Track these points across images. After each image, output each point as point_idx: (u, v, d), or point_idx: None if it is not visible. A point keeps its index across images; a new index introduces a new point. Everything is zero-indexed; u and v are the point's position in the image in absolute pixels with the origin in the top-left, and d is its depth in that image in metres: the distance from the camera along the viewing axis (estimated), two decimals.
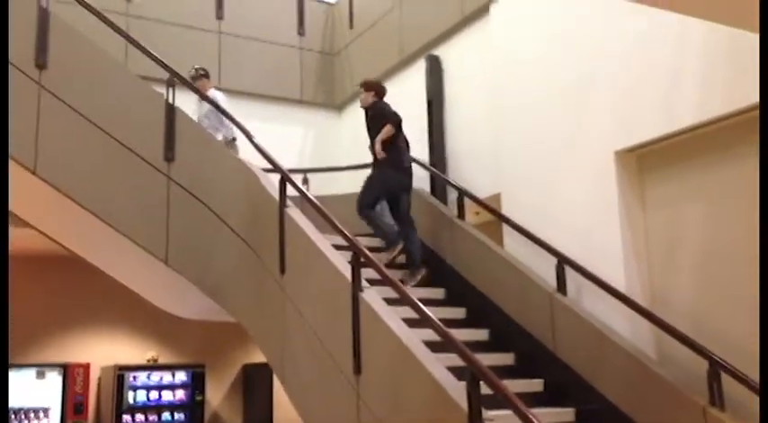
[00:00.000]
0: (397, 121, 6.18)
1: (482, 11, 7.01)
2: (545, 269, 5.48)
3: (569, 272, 5.33)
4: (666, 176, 5.26)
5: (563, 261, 5.34)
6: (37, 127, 5.21)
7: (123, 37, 5.89)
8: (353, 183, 8.46)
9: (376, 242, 6.20)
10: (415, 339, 3.81)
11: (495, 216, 6.21)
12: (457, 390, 3.38)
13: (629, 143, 5.31)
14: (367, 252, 4.21)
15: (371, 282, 4.40)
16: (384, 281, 4.12)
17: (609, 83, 5.49)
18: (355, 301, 4.15)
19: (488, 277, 5.83)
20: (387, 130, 6.13)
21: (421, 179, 7.28)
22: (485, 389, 3.26)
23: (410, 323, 4.04)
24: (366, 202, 6.12)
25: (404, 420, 3.72)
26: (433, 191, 7.17)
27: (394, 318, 3.98)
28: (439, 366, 3.61)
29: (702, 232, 4.94)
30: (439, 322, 3.61)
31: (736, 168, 4.68)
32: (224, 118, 6.38)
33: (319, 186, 8.18)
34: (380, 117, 6.25)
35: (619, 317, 5.00)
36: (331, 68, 9.65)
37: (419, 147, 7.50)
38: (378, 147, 6.13)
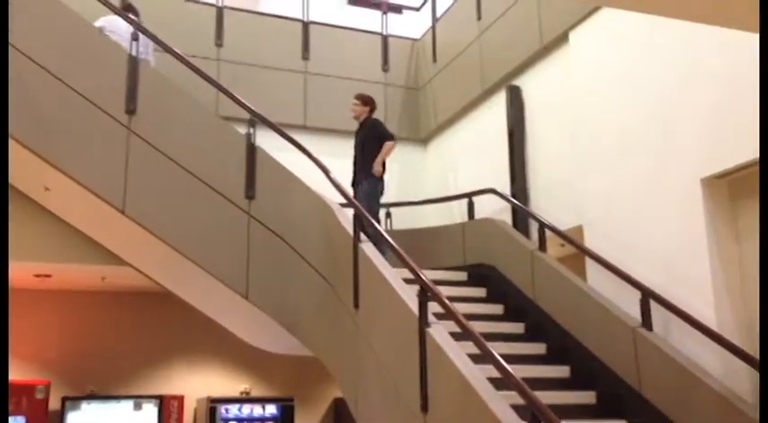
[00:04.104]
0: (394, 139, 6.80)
1: (561, 39, 6.89)
2: (630, 303, 5.23)
3: (656, 307, 5.06)
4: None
5: (648, 295, 5.08)
6: (126, 169, 5.52)
7: (207, 81, 6.15)
8: (439, 216, 8.48)
9: (445, 275, 6.16)
10: (479, 377, 3.70)
11: (578, 249, 6.01)
12: None
13: (716, 169, 5.02)
14: (432, 285, 4.15)
15: (441, 316, 4.33)
16: (449, 315, 4.04)
17: (694, 107, 5.24)
18: (422, 336, 4.09)
19: (570, 311, 5.63)
20: (389, 149, 6.68)
21: (502, 211, 7.18)
22: None
23: (480, 359, 3.93)
24: (377, 216, 6.36)
25: None
26: (515, 223, 7.03)
27: (459, 354, 3.88)
28: (503, 405, 3.48)
29: None
30: (500, 358, 3.50)
31: None
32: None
33: (406, 219, 8.21)
34: (379, 134, 6.78)
35: (710, 355, 4.68)
36: (415, 102, 9.72)
37: (500, 178, 7.42)
38: (378, 166, 6.60)
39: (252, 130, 5.98)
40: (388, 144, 6.69)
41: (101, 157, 5.49)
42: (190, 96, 5.99)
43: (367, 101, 7.09)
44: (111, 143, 5.51)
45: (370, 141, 6.78)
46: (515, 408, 3.48)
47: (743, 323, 4.88)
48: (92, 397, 8.53)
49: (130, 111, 5.60)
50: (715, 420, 4.28)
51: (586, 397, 4.87)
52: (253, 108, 6.03)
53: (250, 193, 5.81)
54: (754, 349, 4.60)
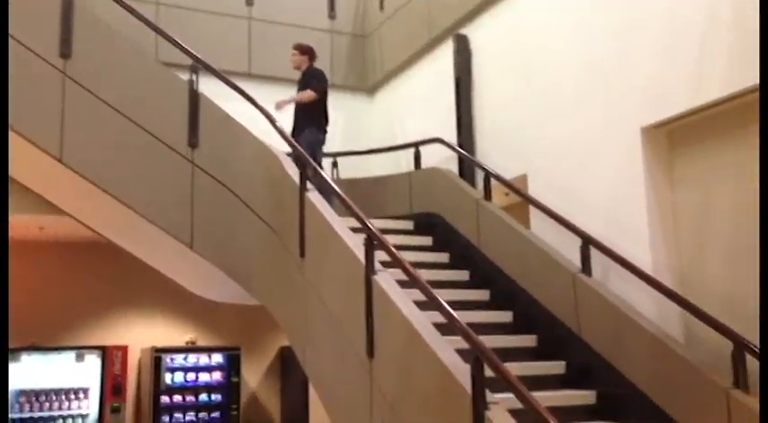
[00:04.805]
0: (323, 89, 6.72)
1: None
2: (571, 250, 5.37)
3: (596, 253, 5.21)
4: (697, 153, 5.08)
5: (588, 241, 5.22)
6: (62, 116, 5.32)
7: (146, 24, 5.94)
8: (386, 165, 8.47)
9: (391, 224, 6.22)
10: (424, 322, 3.77)
11: (521, 197, 6.11)
12: (463, 372, 3.33)
13: (655, 119, 5.14)
14: (379, 234, 4.18)
15: (387, 264, 4.37)
16: (396, 263, 4.08)
17: (636, 57, 5.32)
18: (368, 283, 4.14)
19: (514, 259, 5.75)
20: (309, 95, 6.64)
21: (449, 160, 7.22)
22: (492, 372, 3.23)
23: (425, 305, 4.00)
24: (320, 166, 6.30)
25: (413, 404, 3.69)
26: (461, 172, 7.08)
27: (405, 300, 3.95)
28: (447, 349, 3.57)
29: (734, 211, 4.76)
30: (445, 304, 3.57)
31: None
32: None
33: (352, 169, 8.19)
34: (310, 84, 6.74)
35: (645, 298, 4.87)
36: (362, 51, 9.60)
37: (447, 127, 7.43)
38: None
39: (194, 77, 5.82)
40: (307, 91, 6.70)
41: (34, 102, 5.27)
42: (128, 40, 5.78)
43: (305, 50, 7.03)
44: (46, 88, 5.29)
45: (302, 87, 6.80)
46: (460, 352, 3.57)
47: (676, 267, 5.07)
48: (33, 348, 8.41)
49: (65, 54, 5.37)
50: (649, 360, 4.48)
51: (528, 340, 5.03)
52: (195, 53, 5.86)
53: (193, 141, 5.69)
54: (686, 293, 4.80)
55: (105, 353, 8.57)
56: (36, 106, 5.27)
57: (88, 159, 5.36)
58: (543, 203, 5.76)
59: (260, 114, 5.81)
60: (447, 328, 3.70)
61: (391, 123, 9.06)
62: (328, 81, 7.02)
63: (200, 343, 9.54)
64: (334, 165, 8.06)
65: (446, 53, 7.75)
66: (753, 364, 4.00)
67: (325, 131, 6.82)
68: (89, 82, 5.41)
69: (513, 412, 3.19)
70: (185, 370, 9.08)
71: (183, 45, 5.90)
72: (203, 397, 9.10)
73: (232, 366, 9.27)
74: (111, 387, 8.49)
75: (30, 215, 6.65)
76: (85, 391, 8.49)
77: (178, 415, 8.96)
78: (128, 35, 5.83)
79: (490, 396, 3.21)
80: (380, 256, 4.29)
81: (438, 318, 3.72)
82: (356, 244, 4.45)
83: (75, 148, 5.30)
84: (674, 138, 5.23)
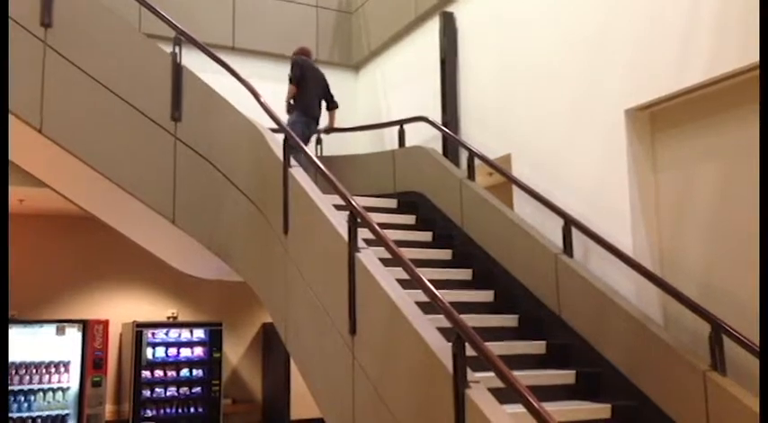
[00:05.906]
0: (293, 79, 6.97)
1: None
2: (554, 231, 5.40)
3: (578, 233, 5.24)
4: (679, 136, 5.10)
5: (570, 222, 5.24)
6: (42, 86, 5.24)
7: None
8: (370, 143, 8.44)
9: (375, 202, 6.23)
10: (407, 300, 3.78)
11: (505, 177, 6.12)
12: (444, 351, 3.35)
13: (639, 101, 5.15)
14: (362, 211, 4.16)
15: (371, 242, 4.36)
16: (379, 241, 4.08)
17: (620, 39, 5.32)
18: (351, 261, 4.13)
19: (496, 239, 5.77)
20: (287, 92, 7.01)
21: (433, 139, 7.20)
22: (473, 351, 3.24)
23: (408, 284, 4.00)
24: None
25: (395, 381, 3.71)
26: (445, 151, 7.07)
27: (388, 278, 3.94)
28: (429, 327, 3.58)
29: (714, 194, 4.80)
30: (428, 283, 3.57)
31: (751, 127, 4.50)
32: None
33: (336, 146, 8.15)
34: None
35: (625, 279, 4.91)
36: (348, 27, 9.51)
37: (432, 106, 7.41)
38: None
39: (178, 50, 5.74)
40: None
41: (14, 71, 5.17)
42: (111, 10, 5.68)
43: (294, 53, 7.29)
44: (26, 57, 5.19)
45: None
46: (442, 330, 3.58)
47: (656, 249, 5.12)
48: (12, 321, 8.34)
49: (46, 24, 5.27)
50: (628, 340, 4.53)
51: (509, 320, 5.06)
52: (179, 25, 5.77)
53: (176, 114, 5.62)
54: (665, 275, 4.86)
55: (86, 327, 8.53)
56: (16, 75, 5.17)
57: (69, 130, 5.28)
58: (526, 184, 5.79)
59: (244, 89, 5.75)
60: (429, 306, 3.71)
61: (376, 101, 9.02)
62: (298, 69, 7.05)
63: (182, 318, 9.52)
64: (318, 141, 8.01)
65: (432, 31, 7.70)
66: (730, 347, 4.06)
67: (309, 114, 6.96)
68: (70, 52, 5.32)
69: (494, 391, 3.21)
70: (167, 345, 9.07)
71: (167, 17, 5.81)
72: (185, 372, 9.10)
73: (214, 342, 9.28)
74: (92, 361, 8.46)
75: (9, 187, 6.55)
76: (66, 364, 8.46)
77: (159, 390, 8.97)
78: (110, 5, 5.73)
79: (471, 374, 3.22)
80: (364, 233, 4.28)
81: (420, 296, 3.73)
82: (339, 221, 4.44)
83: (56, 118, 5.23)
84: (658, 120, 5.24)
